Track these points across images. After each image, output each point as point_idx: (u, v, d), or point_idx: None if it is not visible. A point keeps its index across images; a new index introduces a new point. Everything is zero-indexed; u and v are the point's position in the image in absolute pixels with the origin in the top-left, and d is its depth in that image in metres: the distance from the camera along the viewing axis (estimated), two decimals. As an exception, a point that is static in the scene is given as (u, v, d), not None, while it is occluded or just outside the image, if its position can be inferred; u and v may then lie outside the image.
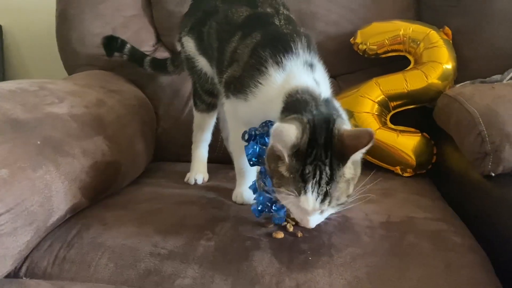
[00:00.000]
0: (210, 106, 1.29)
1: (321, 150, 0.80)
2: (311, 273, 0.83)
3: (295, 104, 0.87)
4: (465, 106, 1.07)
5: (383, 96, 1.35)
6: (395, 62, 1.45)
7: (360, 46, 1.45)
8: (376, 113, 1.35)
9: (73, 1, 1.59)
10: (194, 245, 0.91)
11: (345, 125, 0.85)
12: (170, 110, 1.56)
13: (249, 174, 1.10)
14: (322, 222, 0.88)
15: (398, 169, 1.32)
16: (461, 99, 1.12)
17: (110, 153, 1.13)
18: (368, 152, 1.29)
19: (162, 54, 1.60)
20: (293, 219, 0.96)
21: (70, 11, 1.58)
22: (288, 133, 0.80)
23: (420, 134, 1.33)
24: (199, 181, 1.29)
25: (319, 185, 0.80)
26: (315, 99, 0.87)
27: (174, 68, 1.49)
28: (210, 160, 1.38)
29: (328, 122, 0.83)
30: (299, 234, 0.92)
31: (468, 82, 1.36)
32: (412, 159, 1.30)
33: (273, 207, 0.93)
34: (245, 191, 1.10)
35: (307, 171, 0.80)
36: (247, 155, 0.95)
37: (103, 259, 0.90)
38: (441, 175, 1.27)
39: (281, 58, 0.93)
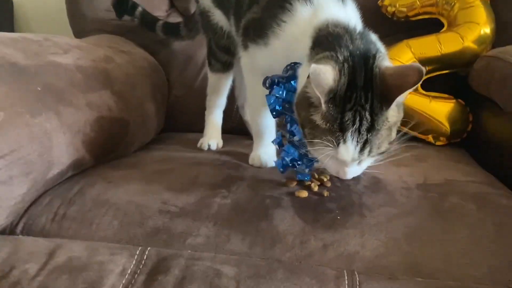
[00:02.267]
0: (225, 66, 1.19)
1: (361, 92, 0.70)
2: (340, 233, 0.73)
3: (327, 38, 0.77)
4: (510, 61, 0.96)
5: (414, 59, 1.24)
6: (427, 27, 1.33)
7: (388, 9, 1.34)
8: (406, 78, 1.24)
9: (82, -36, 1.51)
10: (208, 203, 0.82)
11: (386, 61, 0.74)
12: (182, 77, 1.47)
13: (268, 135, 1.00)
14: (353, 180, 0.78)
15: (430, 138, 1.20)
16: (505, 56, 1.01)
17: (117, 110, 1.04)
18: None
19: (175, 19, 1.50)
20: (319, 178, 0.86)
21: (79, -25, 1.50)
22: (326, 75, 0.70)
23: (454, 100, 1.22)
24: (213, 147, 1.19)
25: (359, 133, 0.70)
26: (350, 33, 0.77)
27: (188, 32, 1.39)
28: (224, 131, 1.28)
29: (368, 58, 0.73)
30: (326, 194, 0.82)
31: (508, 46, 1.24)
32: (446, 126, 1.18)
33: (299, 162, 0.82)
34: (263, 153, 1.01)
35: (346, 119, 0.70)
36: (269, 105, 0.85)
37: (107, 217, 0.81)
38: (478, 144, 1.15)
39: None
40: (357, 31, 0.78)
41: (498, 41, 1.25)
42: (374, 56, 0.73)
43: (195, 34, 1.38)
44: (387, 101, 0.69)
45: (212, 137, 1.22)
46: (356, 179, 0.88)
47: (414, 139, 1.22)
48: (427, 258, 0.68)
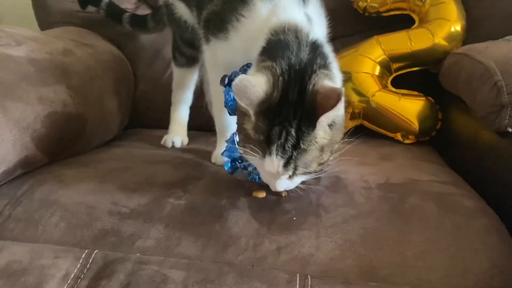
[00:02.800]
0: (190, 60, 1.16)
1: (290, 108, 0.69)
2: (295, 235, 0.70)
3: (275, 46, 0.74)
4: (476, 58, 0.94)
5: (384, 56, 1.22)
6: (398, 24, 1.30)
7: (360, 4, 1.31)
8: (376, 74, 1.21)
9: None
10: (161, 204, 0.78)
11: (327, 79, 0.72)
12: (150, 71, 1.43)
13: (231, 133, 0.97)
14: (314, 180, 0.76)
15: (398, 136, 1.18)
16: (472, 53, 0.99)
17: (74, 105, 0.99)
18: (366, 118, 1.21)
19: (144, 11, 1.45)
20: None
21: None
22: (256, 88, 0.69)
23: (424, 98, 1.20)
24: (177, 144, 1.15)
25: (283, 148, 0.68)
26: (299, 42, 0.74)
27: (155, 24, 1.35)
28: (191, 127, 1.25)
29: (305, 74, 0.71)
30: (284, 194, 0.79)
31: (477, 44, 1.22)
32: (415, 124, 1.16)
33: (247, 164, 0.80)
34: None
35: (273, 133, 0.68)
36: (225, 103, 0.82)
37: (54, 218, 0.77)
38: (446, 142, 1.13)
39: None
40: (308, 40, 0.75)
41: (469, 38, 1.24)
42: (312, 73, 0.71)
43: (163, 27, 1.34)
44: (313, 120, 0.67)
45: (177, 133, 1.18)
46: (317, 178, 0.85)
47: (383, 136, 1.20)
48: (382, 262, 0.66)
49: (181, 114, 1.22)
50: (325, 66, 0.74)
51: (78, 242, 0.74)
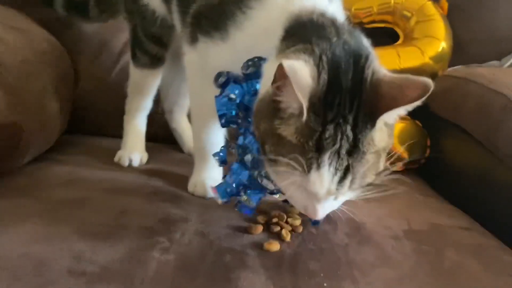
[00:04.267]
0: (155, 60, 0.96)
1: (346, 98, 0.53)
2: (330, 308, 0.55)
3: (304, 28, 0.58)
4: (490, 87, 0.86)
5: (371, 72, 1.11)
6: (381, 37, 1.21)
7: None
8: (362, 92, 1.10)
9: None
10: (143, 260, 0.58)
11: (382, 68, 0.56)
12: (94, 67, 1.18)
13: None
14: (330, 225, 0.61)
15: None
16: (480, 80, 0.91)
17: (7, 109, 0.75)
18: None
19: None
20: (290, 222, 0.68)
21: None
22: (302, 72, 0.52)
23: (411, 121, 1.11)
24: (136, 162, 0.94)
25: (339, 157, 0.52)
26: (335, 25, 0.59)
27: (99, 13, 1.12)
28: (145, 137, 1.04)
29: (358, 56, 0.55)
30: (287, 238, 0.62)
31: (460, 66, 1.17)
32: (403, 150, 1.06)
33: (248, 189, 0.63)
34: (208, 178, 0.79)
35: (327, 135, 0.51)
36: (218, 109, 0.64)
37: (-15, 280, 0.54)
38: (436, 172, 1.05)
39: None
40: (346, 28, 0.61)
41: (453, 60, 1.18)
42: (367, 57, 0.55)
43: (108, 18, 1.13)
44: (375, 116, 0.52)
45: (134, 149, 0.97)
46: (331, 223, 0.71)
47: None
48: None
49: (138, 126, 1.01)
50: (371, 54, 0.58)
51: (24, 319, 0.52)
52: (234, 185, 0.65)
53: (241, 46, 0.66)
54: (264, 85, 0.59)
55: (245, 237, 0.65)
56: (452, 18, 1.21)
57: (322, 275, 0.58)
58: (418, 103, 0.52)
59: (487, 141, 0.84)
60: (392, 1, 1.18)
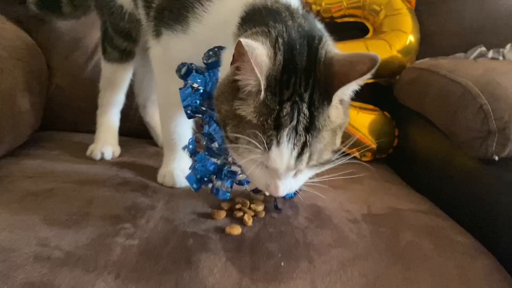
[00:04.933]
0: (125, 54, 0.97)
1: (301, 77, 0.55)
2: (286, 285, 0.57)
3: (260, 13, 0.61)
4: (450, 77, 0.89)
5: (340, 65, 1.14)
6: (351, 30, 1.24)
7: (313, 7, 1.22)
8: (332, 85, 1.13)
9: None
10: (107, 245, 0.60)
11: (334, 48, 0.59)
12: (68, 63, 1.19)
13: (181, 147, 0.80)
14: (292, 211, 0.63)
15: (355, 152, 1.10)
16: (442, 71, 0.94)
17: (-24, 106, 0.76)
18: None
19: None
20: (253, 208, 0.70)
21: None
22: (258, 51, 0.54)
23: (380, 112, 1.14)
24: (108, 156, 0.96)
25: (296, 133, 0.55)
26: (291, 11, 0.61)
27: (72, 10, 1.12)
28: (120, 132, 1.05)
29: (312, 38, 0.57)
30: (249, 223, 0.65)
31: (428, 59, 1.20)
32: (372, 141, 1.10)
33: (216, 176, 0.65)
34: (176, 169, 0.82)
35: (284, 113, 0.54)
36: (183, 100, 0.66)
37: (-49, 266, 0.55)
38: (403, 160, 1.08)
39: None
40: (300, 12, 0.63)
41: (421, 52, 1.21)
42: (321, 38, 0.58)
43: (81, 14, 1.14)
44: (330, 93, 0.55)
45: (106, 143, 0.98)
46: (294, 207, 0.73)
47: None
48: (392, 317, 0.56)
49: (110, 119, 1.02)
50: (324, 36, 0.61)
51: (-12, 303, 0.53)
52: (201, 174, 0.68)
53: (201, 37, 0.68)
54: (224, 71, 0.62)
55: (208, 222, 0.67)
56: (420, 11, 1.24)
57: (280, 255, 0.61)
58: (367, 76, 0.54)
59: (447, 128, 0.88)
60: (361, -5, 1.21)
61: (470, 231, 0.75)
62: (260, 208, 0.70)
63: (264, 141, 0.54)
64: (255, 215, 0.69)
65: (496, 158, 0.75)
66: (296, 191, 0.72)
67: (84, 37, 1.21)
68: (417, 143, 1.06)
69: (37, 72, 1.07)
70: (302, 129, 0.54)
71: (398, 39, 1.16)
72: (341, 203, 0.77)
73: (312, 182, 0.63)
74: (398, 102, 1.12)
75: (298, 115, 0.54)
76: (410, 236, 0.68)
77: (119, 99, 1.03)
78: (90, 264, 0.57)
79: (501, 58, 1.14)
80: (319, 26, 0.64)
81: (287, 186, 0.58)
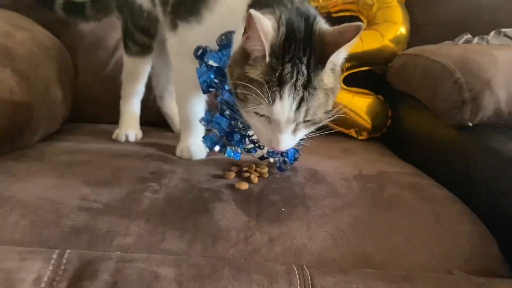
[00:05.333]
0: (144, 49, 1.10)
1: (300, 44, 0.67)
2: (286, 226, 0.69)
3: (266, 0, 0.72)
4: (433, 58, 1.01)
5: (338, 54, 1.26)
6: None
7: (311, 3, 1.33)
8: (330, 72, 1.25)
9: None
10: (137, 198, 0.73)
11: (327, 25, 0.71)
12: (91, 62, 1.33)
13: (198, 125, 0.92)
14: (291, 172, 0.75)
15: (353, 132, 1.23)
16: (426, 54, 1.05)
17: (21, 92, 0.89)
18: None
19: (83, -3, 1.35)
20: (258, 170, 0.82)
21: None
22: (266, 23, 0.66)
23: (375, 96, 1.25)
24: (131, 138, 1.08)
25: (295, 88, 0.66)
26: None
27: (94, 13, 1.26)
28: (140, 123, 1.18)
29: (308, 17, 0.70)
30: (255, 180, 0.77)
31: (421, 46, 1.31)
32: (367, 121, 1.21)
33: (228, 137, 0.78)
34: (192, 144, 0.94)
35: (285, 72, 0.66)
36: (199, 77, 0.79)
37: (13, 216, 0.68)
38: (396, 138, 1.19)
39: None
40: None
41: (411, 41, 1.32)
42: (315, 17, 0.70)
43: (103, 16, 1.27)
44: (324, 59, 0.67)
45: (130, 127, 1.11)
46: (294, 170, 0.85)
47: (339, 133, 1.23)
48: (374, 249, 0.67)
49: (132, 107, 1.15)
50: (319, 17, 0.72)
51: (45, 242, 0.66)
52: (218, 135, 0.80)
53: (213, 27, 0.80)
54: (235, 47, 0.74)
55: (220, 181, 0.79)
56: (410, 4, 1.35)
57: (281, 203, 0.73)
58: (354, 40, 0.66)
59: (429, 102, 0.99)
60: (355, -9, 1.33)
61: (451, 190, 0.86)
62: (265, 170, 0.82)
63: (269, 95, 0.66)
64: (260, 175, 0.81)
65: (470, 124, 0.86)
66: (296, 157, 0.84)
67: (105, 38, 1.34)
68: (407, 121, 1.17)
69: (65, 69, 1.20)
70: (300, 85, 0.66)
71: (390, 29, 1.27)
72: (335, 167, 0.88)
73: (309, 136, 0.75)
74: (391, 86, 1.23)
75: (297, 73, 0.66)
76: (393, 189, 0.80)
77: (139, 89, 1.15)
78: (124, 212, 0.70)
79: (485, 44, 1.25)
80: (313, 9, 0.76)
81: (287, 140, 0.70)
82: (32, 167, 0.80)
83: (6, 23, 1.07)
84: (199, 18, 0.81)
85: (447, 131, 0.94)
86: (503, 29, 1.27)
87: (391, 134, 1.23)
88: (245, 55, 0.68)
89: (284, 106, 0.66)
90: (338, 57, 0.69)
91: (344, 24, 0.67)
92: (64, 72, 1.17)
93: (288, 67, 0.66)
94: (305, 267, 0.63)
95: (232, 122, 0.77)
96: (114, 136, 1.09)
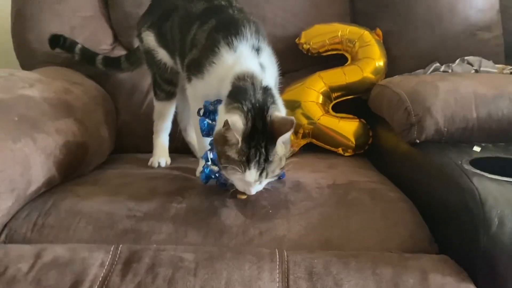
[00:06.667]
0: (169, 94, 1.39)
1: (260, 134, 0.95)
2: (272, 222, 0.96)
3: (238, 91, 0.99)
4: (393, 89, 1.27)
5: (326, 87, 1.53)
6: (335, 60, 1.63)
7: (304, 46, 1.62)
8: (320, 102, 1.52)
9: (29, 1, 1.63)
10: (167, 208, 1.02)
11: (277, 111, 0.99)
12: (129, 103, 1.64)
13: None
14: (280, 183, 1.03)
15: (340, 150, 1.49)
16: (391, 85, 1.32)
17: (80, 135, 1.21)
18: (314, 136, 1.51)
19: (120, 52, 1.67)
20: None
21: (27, 11, 1.63)
22: (238, 123, 0.94)
23: (358, 120, 1.52)
24: (163, 164, 1.38)
25: (259, 163, 0.95)
26: (255, 87, 0.99)
27: (129, 65, 1.57)
28: (169, 150, 1.47)
29: (264, 109, 0.97)
30: (244, 197, 1.05)
31: (396, 76, 1.57)
32: (351, 141, 1.48)
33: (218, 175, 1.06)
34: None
35: (251, 153, 0.94)
36: (201, 129, 1.07)
37: (82, 223, 0.98)
38: (376, 153, 1.45)
39: (231, 40, 1.06)
40: (261, 86, 1.01)
41: (389, 71, 1.58)
42: (268, 108, 0.97)
43: (136, 67, 1.57)
44: (274, 140, 0.94)
45: (161, 155, 1.40)
46: (282, 182, 1.12)
47: (327, 151, 1.50)
48: (334, 236, 0.94)
49: (163, 140, 1.44)
50: (273, 102, 1.00)
51: (105, 240, 0.95)
52: (208, 172, 1.08)
53: (212, 85, 1.09)
54: (218, 121, 1.03)
55: (226, 193, 1.07)
56: (386, 40, 1.62)
57: (269, 207, 1.01)
58: (290, 132, 0.95)
59: (392, 124, 1.25)
60: (339, 34, 1.60)
61: (407, 192, 1.11)
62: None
63: (242, 167, 0.94)
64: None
65: (418, 141, 1.12)
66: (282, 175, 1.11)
67: (139, 84, 1.64)
68: (383, 139, 1.43)
69: (110, 112, 1.53)
70: (262, 161, 0.95)
71: (368, 64, 1.53)
72: (315, 179, 1.15)
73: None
74: (371, 110, 1.50)
75: (259, 154, 0.94)
76: (355, 194, 1.06)
77: (167, 126, 1.44)
78: (158, 218, 0.99)
79: (450, 71, 1.50)
80: (273, 93, 1.02)
81: (256, 189, 0.98)
82: (91, 190, 1.11)
83: (65, 81, 1.40)
84: (203, 76, 1.10)
85: (404, 147, 1.19)
86: (466, 57, 1.52)
87: (372, 150, 1.49)
88: (224, 139, 0.95)
89: (252, 174, 0.94)
90: (285, 137, 0.96)
91: (285, 117, 0.97)
92: (109, 114, 1.49)
93: (253, 151, 0.94)
94: (284, 250, 0.90)
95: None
96: (149, 163, 1.39)
